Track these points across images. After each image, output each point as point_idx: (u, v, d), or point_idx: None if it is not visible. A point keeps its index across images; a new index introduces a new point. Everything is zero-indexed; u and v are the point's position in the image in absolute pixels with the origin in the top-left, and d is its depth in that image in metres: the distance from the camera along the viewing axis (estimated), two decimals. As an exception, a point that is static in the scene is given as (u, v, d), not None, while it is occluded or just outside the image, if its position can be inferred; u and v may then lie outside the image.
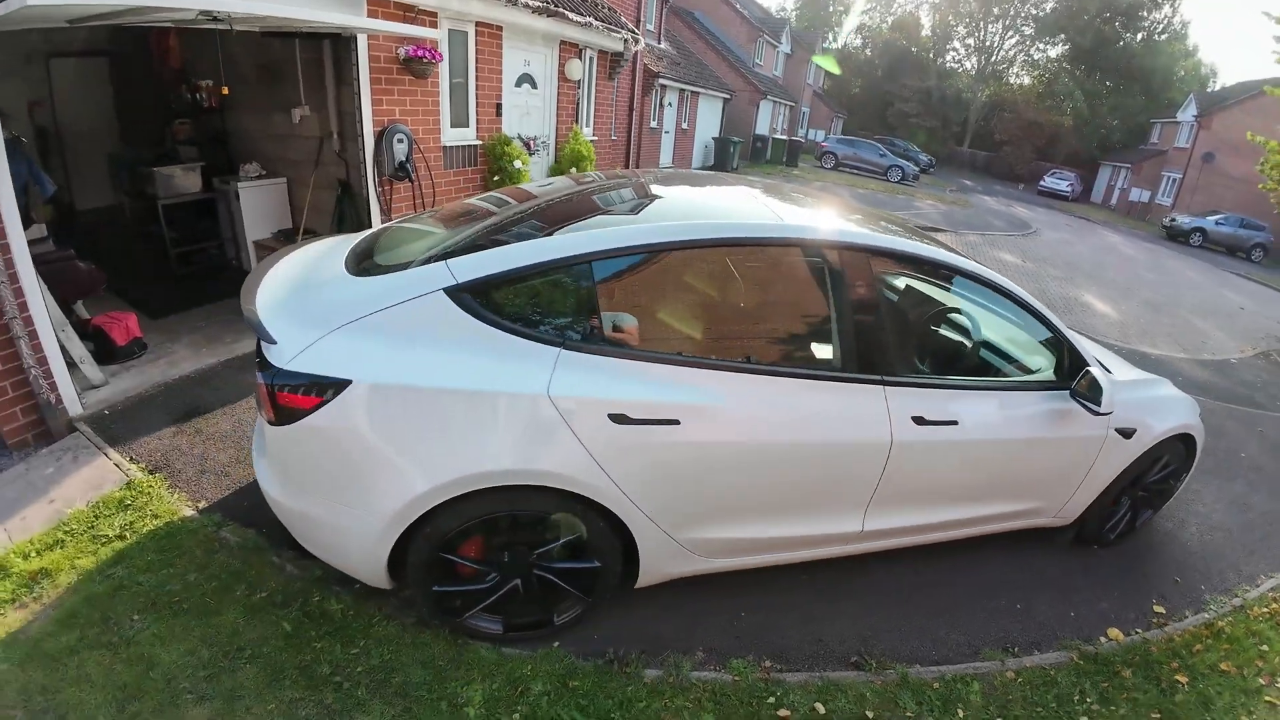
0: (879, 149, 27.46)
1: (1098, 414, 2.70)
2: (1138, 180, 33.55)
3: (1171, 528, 3.93)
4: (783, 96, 29.71)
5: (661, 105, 16.13)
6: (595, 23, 6.94)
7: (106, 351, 3.92)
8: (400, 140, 5.21)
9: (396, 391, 2.02)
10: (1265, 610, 3.30)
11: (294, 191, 5.80)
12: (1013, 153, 40.01)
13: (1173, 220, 25.69)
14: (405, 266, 2.18)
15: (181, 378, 4.00)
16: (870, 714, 2.41)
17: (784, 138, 24.02)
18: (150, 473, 3.16)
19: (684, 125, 18.55)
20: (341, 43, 4.82)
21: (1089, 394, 2.70)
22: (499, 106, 6.54)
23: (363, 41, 4.72)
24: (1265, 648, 3.05)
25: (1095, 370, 2.74)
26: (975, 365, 2.97)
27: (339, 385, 1.97)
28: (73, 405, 3.41)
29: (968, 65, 44.44)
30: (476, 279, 2.09)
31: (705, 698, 2.37)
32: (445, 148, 5.91)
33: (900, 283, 3.34)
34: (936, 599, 3.06)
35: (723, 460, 2.33)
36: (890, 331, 2.62)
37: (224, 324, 4.66)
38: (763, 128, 26.55)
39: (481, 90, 6.26)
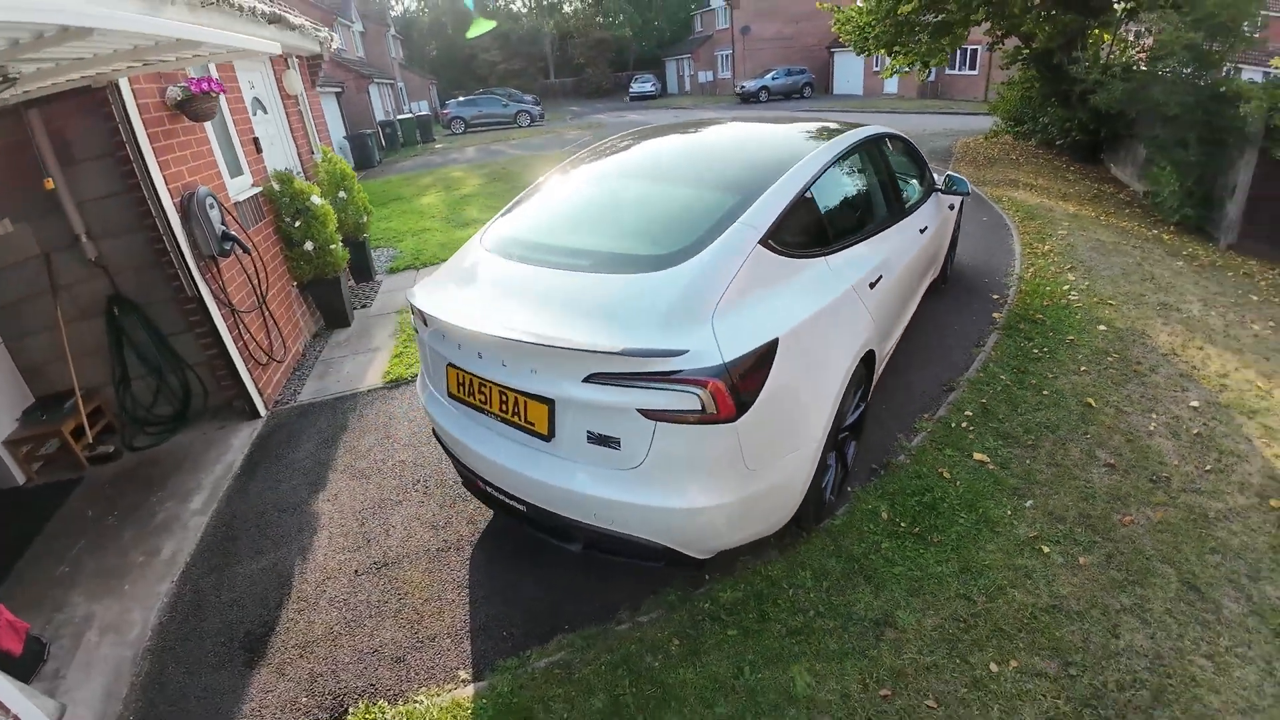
0: (499, 100, 27.89)
1: (965, 194, 4.44)
2: (700, 65, 40.38)
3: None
4: (381, 76, 27.89)
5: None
6: (306, 24, 5.60)
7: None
8: (212, 206, 3.71)
9: (794, 332, 2.25)
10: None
11: (24, 346, 3.80)
12: (594, 72, 44.37)
13: (742, 87, 31.90)
14: (696, 242, 2.32)
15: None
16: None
17: (410, 117, 22.74)
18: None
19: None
20: (63, 106, 3.16)
21: (955, 186, 4.41)
22: (257, 141, 5.01)
23: (126, 86, 3.13)
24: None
25: (943, 175, 4.32)
26: (915, 193, 4.18)
27: (772, 346, 2.13)
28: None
29: (530, 3, 46.87)
30: (769, 226, 2.41)
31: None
32: (237, 204, 4.40)
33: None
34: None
35: (894, 283, 3.31)
36: (894, 184, 3.75)
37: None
38: (380, 113, 24.76)
39: (239, 125, 4.70)
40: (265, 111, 5.52)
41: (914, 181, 4.26)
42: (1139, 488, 3.22)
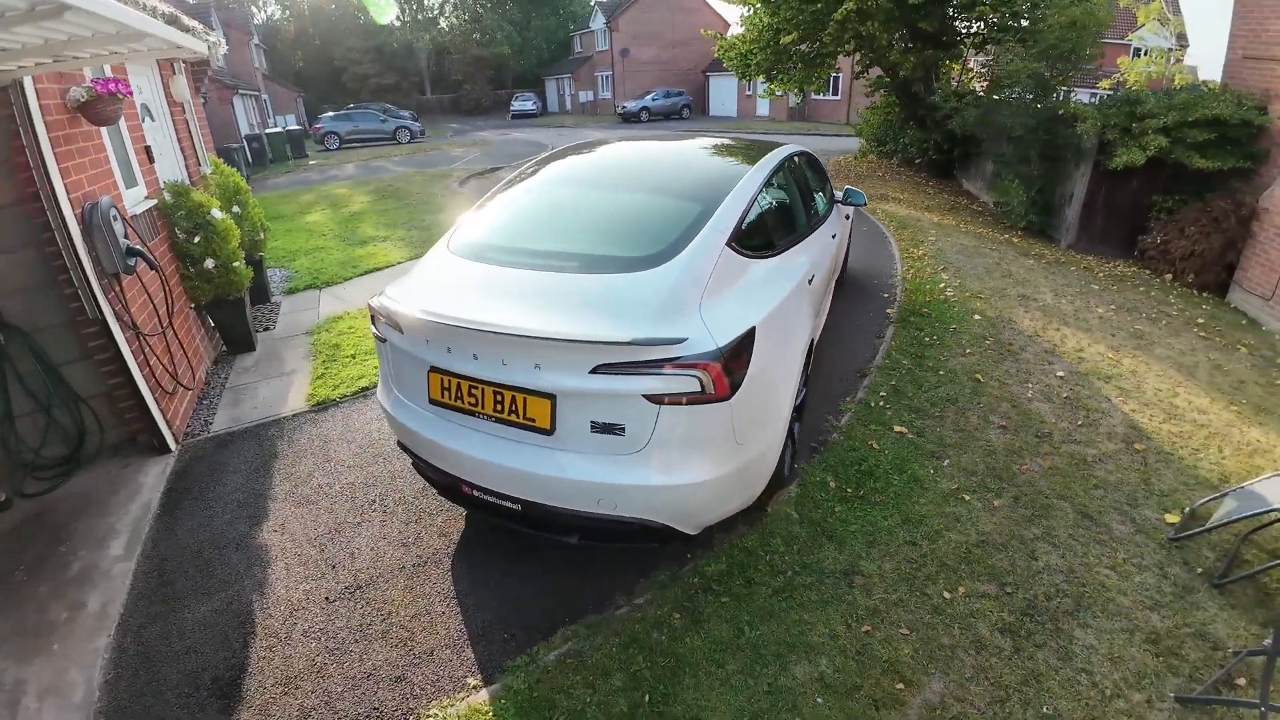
0: (377, 115, 26.72)
1: (862, 204, 4.91)
2: (580, 85, 41.02)
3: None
4: (246, 87, 25.86)
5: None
6: (197, 25, 5.11)
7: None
8: (115, 218, 3.31)
9: (765, 320, 2.46)
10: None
11: None
12: (472, 89, 43.64)
13: (624, 107, 32.81)
14: (672, 245, 2.53)
15: None
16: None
17: (280, 131, 21.21)
18: None
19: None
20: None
21: (851, 198, 4.81)
22: (149, 150, 4.50)
23: (30, 85, 2.72)
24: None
25: (844, 190, 4.79)
26: (823, 203, 4.58)
27: (751, 333, 2.32)
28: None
29: (405, 17, 45.15)
30: (732, 230, 2.68)
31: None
32: (134, 217, 3.94)
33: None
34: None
35: (820, 282, 3.64)
36: (810, 195, 4.17)
37: None
38: (245, 126, 22.93)
39: (133, 133, 4.19)
40: (152, 119, 5.02)
41: (820, 194, 4.71)
42: (1028, 443, 3.80)
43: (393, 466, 3.62)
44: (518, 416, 2.29)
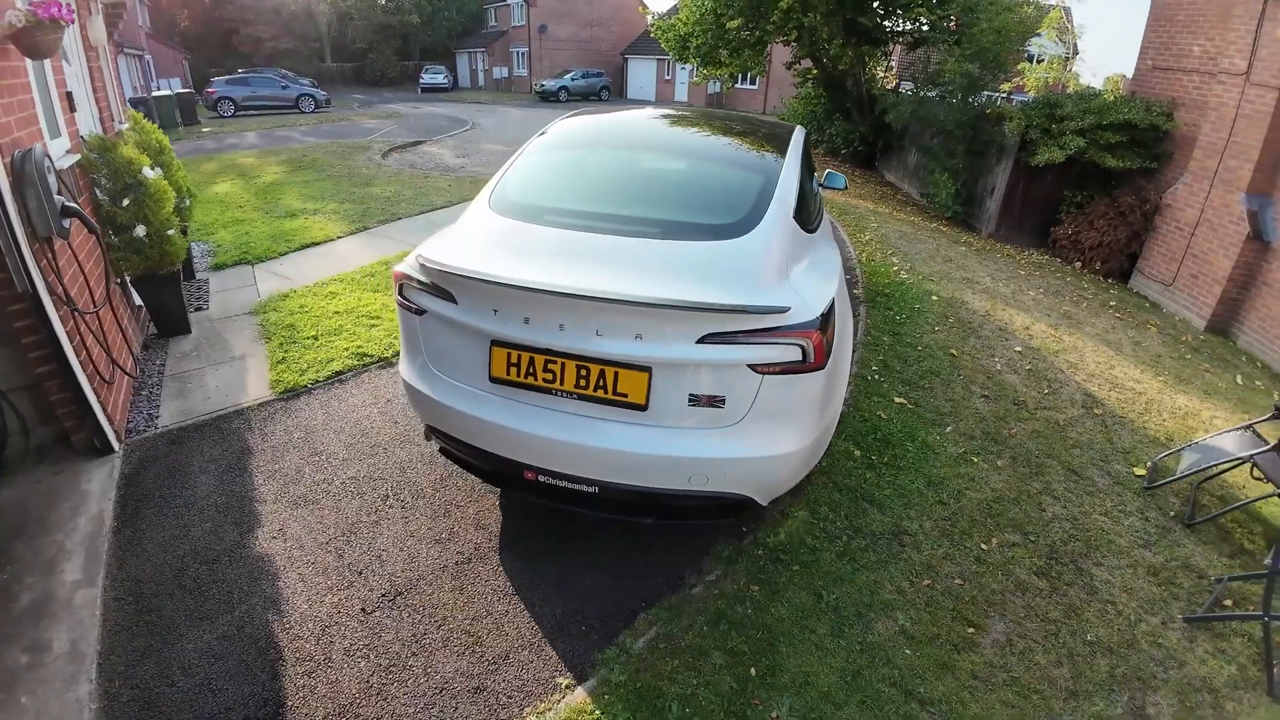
0: (277, 81, 24.48)
1: (842, 188, 4.63)
2: (495, 60, 39.42)
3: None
4: (129, 46, 22.71)
5: None
6: None
7: None
8: (50, 170, 2.72)
9: (838, 290, 2.46)
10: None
11: None
12: (377, 58, 40.76)
13: (541, 86, 31.92)
14: (748, 215, 2.46)
15: None
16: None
17: (169, 94, 18.77)
18: None
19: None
20: None
21: (831, 181, 4.47)
22: (70, 97, 3.73)
23: None
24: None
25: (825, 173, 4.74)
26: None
27: (832, 302, 2.28)
28: None
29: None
30: (794, 204, 2.65)
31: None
32: (59, 173, 3.27)
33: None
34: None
35: None
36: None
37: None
38: (128, 89, 20.13)
39: (56, 74, 3.42)
40: (69, 64, 4.22)
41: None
42: (1009, 409, 4.12)
43: (397, 457, 3.29)
44: (606, 392, 2.11)
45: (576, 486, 2.24)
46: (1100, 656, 2.38)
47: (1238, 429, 3.37)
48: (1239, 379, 5.28)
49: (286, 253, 6.42)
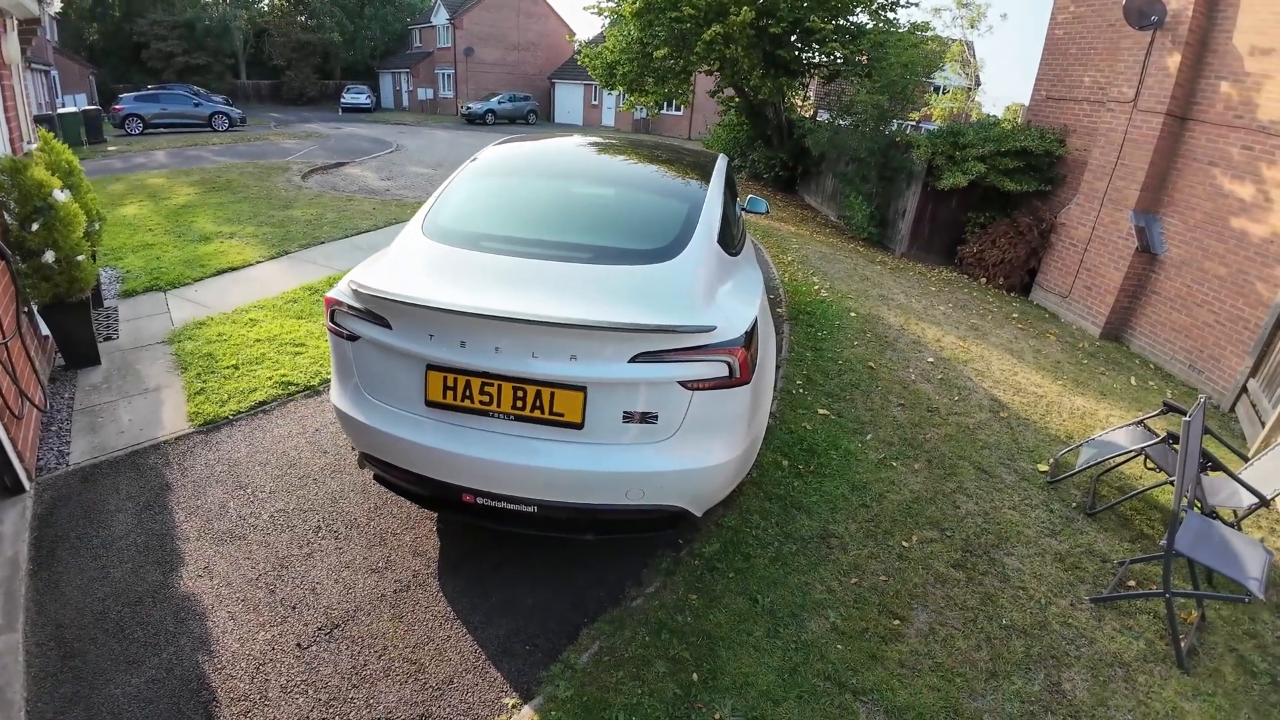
0: (188, 98, 23.23)
1: (764, 213, 5.09)
2: (419, 81, 38.86)
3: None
4: (37, 61, 20.96)
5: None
6: None
7: None
8: None
9: (759, 310, 2.60)
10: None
11: None
12: (296, 76, 39.35)
13: (468, 108, 31.68)
14: (675, 240, 2.60)
15: None
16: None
17: (75, 111, 17.52)
18: None
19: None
20: None
21: (753, 206, 4.94)
22: None
23: None
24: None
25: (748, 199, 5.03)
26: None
27: (755, 321, 2.44)
28: None
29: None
30: (717, 228, 2.81)
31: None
32: None
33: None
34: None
35: None
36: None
37: None
38: (34, 105, 18.58)
39: None
40: None
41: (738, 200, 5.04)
42: (924, 416, 4.44)
43: (328, 488, 3.22)
44: (543, 412, 2.18)
45: (515, 507, 2.29)
46: (1016, 639, 2.60)
47: (1131, 424, 3.77)
48: (1132, 380, 5.89)
49: (202, 278, 6.12)
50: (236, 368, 4.34)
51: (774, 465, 3.60)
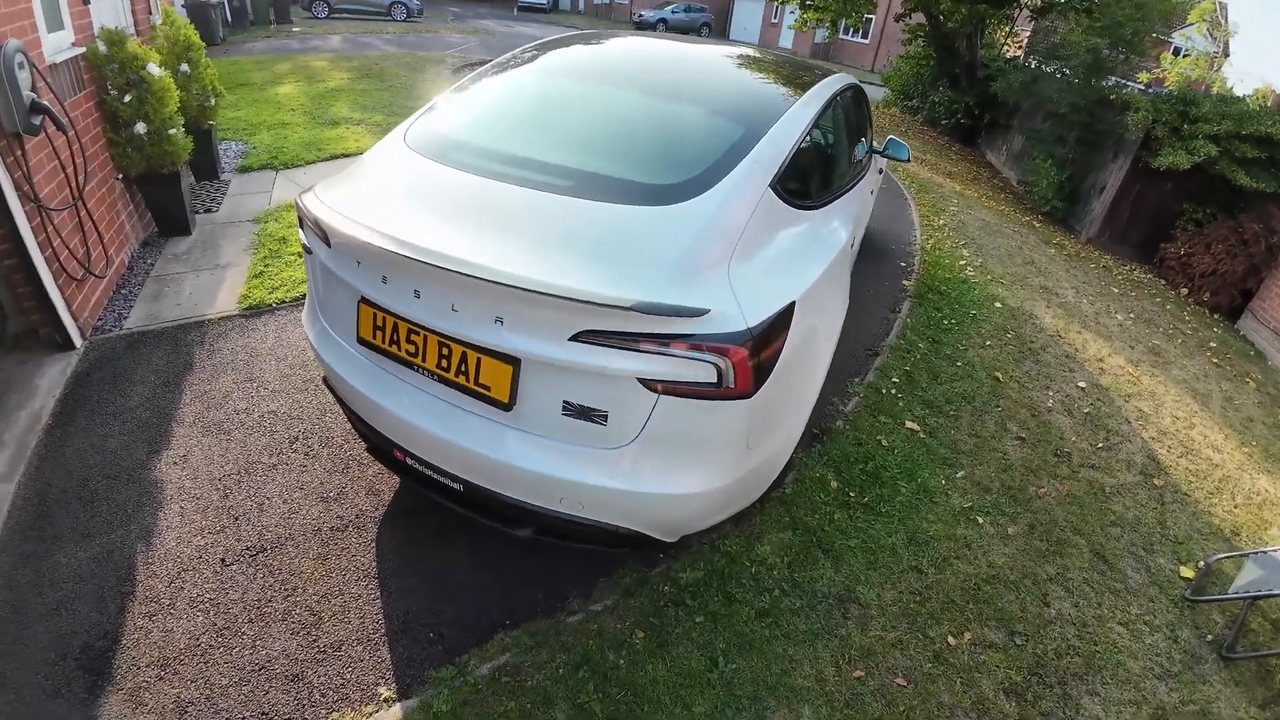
0: (373, -15, 24.38)
1: (905, 159, 3.92)
2: (598, -16, 37.89)
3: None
4: None
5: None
6: None
7: None
8: (22, 66, 2.61)
9: (807, 294, 1.97)
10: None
11: None
12: (480, -28, 39.89)
13: (640, 16, 30.60)
14: (704, 174, 1.95)
15: None
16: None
17: None
18: None
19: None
20: None
21: (893, 150, 3.88)
22: None
23: None
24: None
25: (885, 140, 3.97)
26: (864, 151, 3.88)
27: (789, 310, 1.84)
28: None
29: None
30: (779, 168, 2.09)
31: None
32: (52, 67, 3.20)
33: None
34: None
35: (855, 247, 3.73)
36: (855, 140, 3.54)
37: None
38: None
39: None
40: None
41: (863, 140, 4.08)
42: (1046, 461, 3.44)
43: (324, 398, 3.11)
44: (467, 379, 1.77)
45: (441, 479, 1.95)
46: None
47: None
48: (1347, 466, 4.38)
49: (314, 161, 6.30)
50: (299, 256, 4.39)
51: (818, 484, 2.88)
